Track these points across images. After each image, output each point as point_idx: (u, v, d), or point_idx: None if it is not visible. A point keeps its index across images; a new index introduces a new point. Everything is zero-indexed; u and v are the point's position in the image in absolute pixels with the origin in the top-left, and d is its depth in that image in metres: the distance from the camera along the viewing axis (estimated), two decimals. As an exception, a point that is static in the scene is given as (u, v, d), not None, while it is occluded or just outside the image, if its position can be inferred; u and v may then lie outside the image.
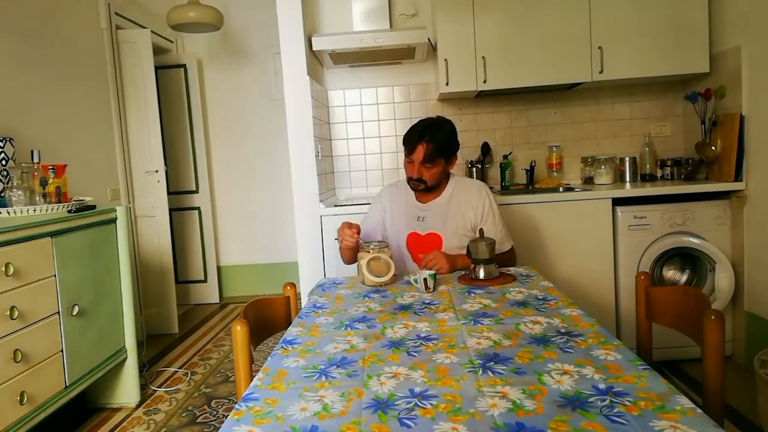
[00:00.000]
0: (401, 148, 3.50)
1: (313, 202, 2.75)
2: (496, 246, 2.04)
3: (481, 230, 1.83)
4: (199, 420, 2.49)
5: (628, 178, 3.16)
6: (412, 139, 1.99)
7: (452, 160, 2.07)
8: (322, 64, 3.26)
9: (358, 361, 1.13)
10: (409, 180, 2.06)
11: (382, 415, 0.89)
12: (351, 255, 2.03)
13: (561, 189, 3.11)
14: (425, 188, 2.05)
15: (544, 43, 2.93)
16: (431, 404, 0.92)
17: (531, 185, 3.23)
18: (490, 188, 3.22)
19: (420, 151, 1.96)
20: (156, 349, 3.51)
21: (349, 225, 1.90)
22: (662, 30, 2.87)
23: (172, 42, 4.40)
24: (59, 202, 2.34)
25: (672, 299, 1.46)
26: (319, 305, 1.59)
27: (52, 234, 2.12)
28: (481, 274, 1.72)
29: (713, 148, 2.82)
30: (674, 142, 3.29)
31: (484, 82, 2.96)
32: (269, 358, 1.18)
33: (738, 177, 2.68)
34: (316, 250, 2.76)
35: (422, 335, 1.27)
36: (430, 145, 1.96)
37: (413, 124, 2.06)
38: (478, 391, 0.96)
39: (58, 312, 2.14)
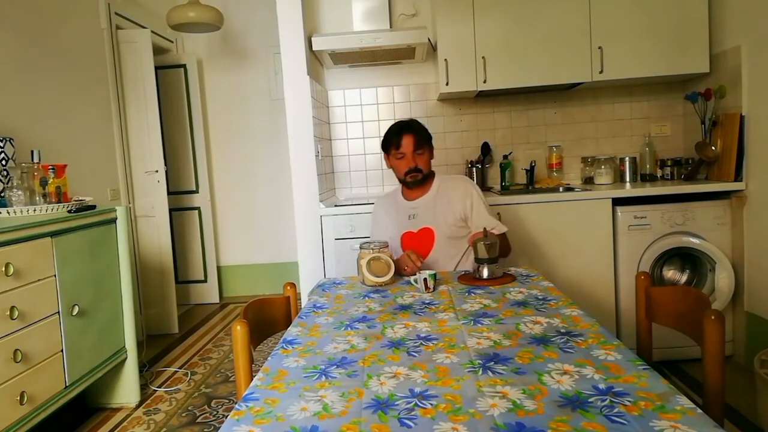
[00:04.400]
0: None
1: (313, 202, 2.76)
2: (493, 229, 2.05)
3: (485, 230, 1.83)
4: (199, 420, 2.49)
5: (628, 178, 3.16)
6: (394, 136, 2.14)
7: (432, 148, 2.22)
8: (322, 64, 3.26)
9: (358, 361, 1.13)
10: (405, 174, 2.16)
11: (382, 415, 0.89)
12: None
13: (561, 189, 3.11)
14: (422, 178, 2.16)
15: (544, 43, 2.92)
16: (431, 404, 0.92)
17: (531, 185, 3.23)
18: (490, 188, 3.24)
19: (408, 142, 2.11)
20: (156, 349, 3.51)
21: (417, 256, 1.90)
22: (662, 30, 2.87)
23: (172, 42, 4.40)
24: (59, 202, 2.34)
25: (672, 299, 1.46)
26: (319, 305, 1.59)
27: (52, 234, 2.12)
28: (485, 273, 1.73)
29: (713, 148, 2.82)
30: (674, 142, 3.29)
31: (484, 82, 2.96)
32: (269, 358, 1.18)
33: (738, 177, 2.68)
34: (316, 250, 2.76)
35: (422, 335, 1.27)
36: (414, 134, 2.13)
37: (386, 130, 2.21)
38: (478, 391, 0.96)
39: (58, 312, 2.14)
